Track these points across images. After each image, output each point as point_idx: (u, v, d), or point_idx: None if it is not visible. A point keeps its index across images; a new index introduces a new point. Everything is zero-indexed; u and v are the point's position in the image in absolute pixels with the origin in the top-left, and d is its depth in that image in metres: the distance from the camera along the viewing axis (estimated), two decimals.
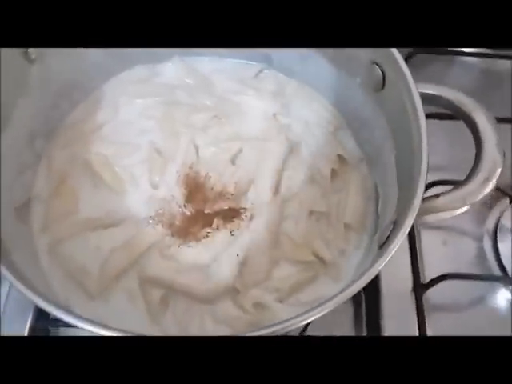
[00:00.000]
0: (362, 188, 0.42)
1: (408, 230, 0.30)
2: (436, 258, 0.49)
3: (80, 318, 0.27)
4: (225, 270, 0.38)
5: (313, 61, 0.43)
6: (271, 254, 0.39)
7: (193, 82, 0.47)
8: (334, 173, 0.42)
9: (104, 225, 0.40)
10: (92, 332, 0.26)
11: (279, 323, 0.27)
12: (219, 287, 0.37)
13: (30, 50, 0.36)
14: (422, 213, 0.31)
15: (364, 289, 0.45)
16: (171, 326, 0.36)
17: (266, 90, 0.46)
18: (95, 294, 0.37)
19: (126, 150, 0.43)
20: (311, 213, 0.41)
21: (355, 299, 0.46)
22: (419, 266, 0.47)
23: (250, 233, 0.39)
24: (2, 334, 0.42)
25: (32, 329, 0.42)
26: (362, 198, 0.41)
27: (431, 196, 0.32)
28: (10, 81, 0.36)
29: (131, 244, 0.39)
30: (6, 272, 0.27)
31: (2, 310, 0.43)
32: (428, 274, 0.48)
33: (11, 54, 0.35)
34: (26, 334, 0.41)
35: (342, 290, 0.29)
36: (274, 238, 0.39)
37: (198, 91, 0.46)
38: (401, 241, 0.29)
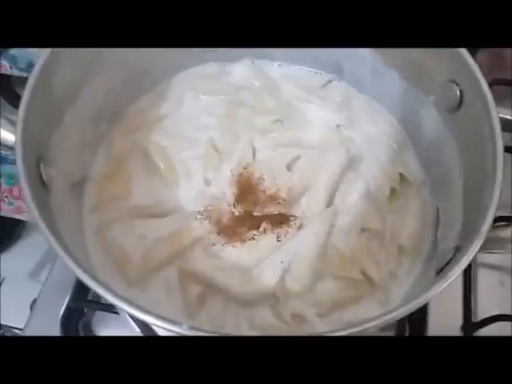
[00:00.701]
0: (422, 211, 0.40)
1: (472, 256, 0.27)
2: (491, 299, 0.46)
3: (121, 297, 0.26)
4: (267, 276, 0.36)
5: (385, 76, 0.42)
6: (316, 266, 0.37)
7: (259, 84, 0.46)
8: (393, 192, 0.40)
9: (152, 214, 0.40)
10: (129, 313, 0.26)
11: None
12: (259, 292, 0.36)
13: None
14: (488, 241, 0.28)
15: (409, 320, 0.43)
16: (206, 323, 0.35)
17: (333, 101, 0.45)
18: (134, 281, 0.37)
19: (184, 144, 0.43)
20: (363, 230, 0.39)
21: (398, 330, 0.44)
22: (472, 304, 0.44)
23: (298, 241, 0.38)
24: (40, 311, 0.43)
25: (68, 309, 0.42)
26: (420, 222, 0.39)
27: (500, 225, 0.30)
28: (85, 58, 0.36)
29: (176, 236, 0.38)
30: (51, 239, 0.27)
31: (41, 289, 0.44)
32: (480, 314, 0.45)
33: None
34: (61, 314, 0.42)
35: (389, 311, 0.27)
36: (322, 250, 0.38)
37: (264, 94, 0.45)
38: (463, 268, 0.27)
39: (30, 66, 0.55)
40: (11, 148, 0.32)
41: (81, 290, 0.43)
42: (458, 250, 0.30)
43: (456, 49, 0.35)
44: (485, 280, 0.47)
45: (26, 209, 0.86)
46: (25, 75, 0.55)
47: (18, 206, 0.76)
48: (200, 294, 0.36)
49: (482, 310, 0.45)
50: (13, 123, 0.32)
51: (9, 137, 0.31)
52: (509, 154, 0.41)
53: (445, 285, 0.26)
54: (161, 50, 0.41)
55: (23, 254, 0.85)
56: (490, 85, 0.45)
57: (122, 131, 0.43)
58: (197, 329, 0.25)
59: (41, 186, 0.30)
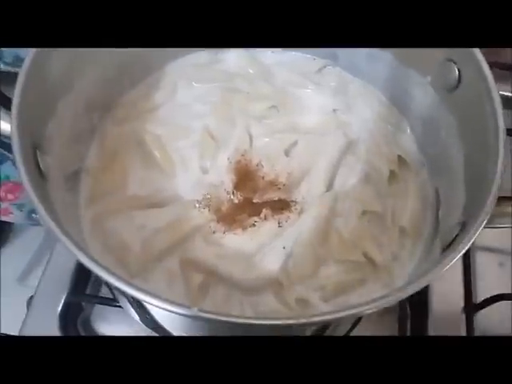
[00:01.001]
0: (422, 193, 0.39)
1: (479, 230, 0.27)
2: (490, 280, 0.47)
3: (126, 281, 0.25)
4: (269, 262, 0.36)
5: (380, 59, 0.42)
6: (319, 251, 0.37)
7: (253, 71, 0.46)
8: (392, 175, 0.40)
9: (150, 204, 0.39)
10: (136, 298, 0.25)
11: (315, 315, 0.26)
12: (262, 278, 0.36)
13: None
14: (493, 216, 0.28)
15: (411, 302, 0.43)
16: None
17: (328, 86, 0.45)
18: (135, 272, 0.36)
19: (179, 132, 0.42)
20: (364, 213, 0.39)
21: (401, 314, 0.44)
22: (472, 285, 0.45)
23: (299, 226, 0.37)
24: (37, 308, 0.42)
25: (66, 304, 0.42)
26: (420, 203, 0.39)
27: (506, 197, 0.30)
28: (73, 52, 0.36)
29: (176, 225, 0.38)
30: (52, 224, 0.26)
31: (37, 286, 0.43)
32: (481, 295, 0.45)
33: None
34: (59, 309, 0.41)
35: (399, 289, 0.27)
36: (323, 234, 0.38)
37: (258, 81, 0.45)
38: (471, 241, 0.27)
39: (16, 60, 0.54)
40: (3, 136, 0.31)
41: (79, 283, 0.42)
42: (464, 226, 0.29)
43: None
44: (484, 262, 0.47)
45: (12, 210, 0.85)
46: (11, 70, 0.54)
47: (4, 207, 0.75)
48: (202, 282, 0.36)
49: (482, 292, 0.45)
50: (7, 113, 0.32)
51: (8, 127, 0.30)
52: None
53: (456, 258, 0.26)
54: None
55: (11, 258, 0.84)
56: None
57: (116, 121, 0.43)
58: (205, 311, 0.25)
59: (38, 176, 0.30)
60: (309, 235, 0.37)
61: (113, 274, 0.26)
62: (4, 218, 0.72)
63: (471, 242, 0.27)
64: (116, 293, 0.39)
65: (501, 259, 0.48)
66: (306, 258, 0.37)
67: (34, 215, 0.82)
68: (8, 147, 0.70)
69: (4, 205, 0.73)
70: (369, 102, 0.44)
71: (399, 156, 0.40)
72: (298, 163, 0.40)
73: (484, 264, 0.47)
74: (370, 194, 0.39)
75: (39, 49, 0.32)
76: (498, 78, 0.33)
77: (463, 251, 0.27)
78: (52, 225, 0.26)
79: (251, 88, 0.44)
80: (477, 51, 0.34)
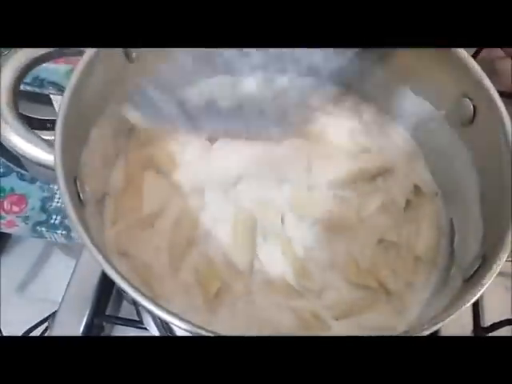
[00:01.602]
0: (436, 222, 0.41)
1: (501, 265, 0.29)
2: (497, 304, 0.48)
3: (168, 312, 0.26)
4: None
5: (396, 90, 0.43)
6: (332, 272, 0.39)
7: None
8: (407, 204, 0.42)
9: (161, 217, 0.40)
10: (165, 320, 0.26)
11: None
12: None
13: (132, 48, 0.37)
14: None
15: None
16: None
17: (342, 114, 0.47)
18: (159, 293, 0.37)
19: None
20: (380, 241, 0.40)
21: None
22: (480, 309, 0.46)
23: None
24: (58, 331, 0.42)
25: (87, 326, 0.42)
26: (435, 232, 0.40)
27: None
28: (108, 76, 0.37)
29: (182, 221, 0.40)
30: (97, 254, 0.27)
31: (58, 308, 0.44)
32: (488, 319, 0.46)
33: (114, 51, 0.36)
34: (81, 329, 0.42)
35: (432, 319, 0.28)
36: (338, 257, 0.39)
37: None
38: (495, 275, 0.28)
39: (35, 80, 0.55)
40: (43, 166, 0.32)
41: (100, 303, 0.43)
42: (484, 259, 0.31)
43: (469, 64, 0.36)
44: (490, 285, 0.49)
45: (18, 223, 0.85)
46: (30, 89, 0.55)
47: (9, 220, 0.75)
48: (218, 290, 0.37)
49: (490, 316, 0.46)
50: (43, 140, 0.33)
51: (41, 155, 0.31)
52: None
53: (481, 290, 0.28)
54: (177, 63, 0.42)
55: (9, 268, 0.84)
56: None
57: (137, 144, 0.44)
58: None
59: (79, 204, 0.31)
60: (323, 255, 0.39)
61: (151, 300, 0.27)
62: (9, 231, 0.72)
63: (494, 277, 0.28)
64: (145, 315, 0.40)
65: (507, 283, 0.49)
66: (319, 278, 0.38)
67: (38, 228, 0.83)
68: (17, 161, 0.71)
69: (9, 217, 0.74)
70: (383, 130, 0.45)
71: (415, 185, 0.42)
72: None
73: (490, 288, 0.49)
74: (387, 224, 0.41)
75: (79, 76, 0.33)
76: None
77: (486, 285, 0.28)
78: (95, 253, 0.28)
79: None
80: (492, 88, 0.36)
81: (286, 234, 0.40)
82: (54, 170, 0.30)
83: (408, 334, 0.28)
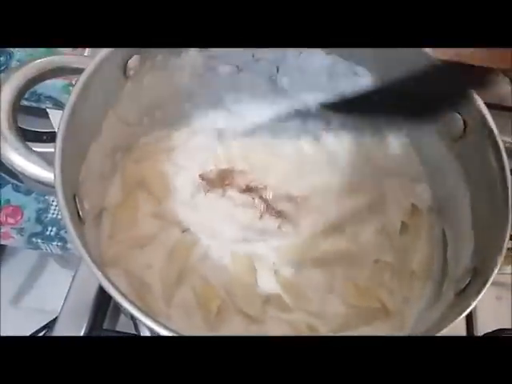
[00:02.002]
0: (430, 235, 0.42)
1: (492, 279, 0.30)
2: (488, 313, 0.49)
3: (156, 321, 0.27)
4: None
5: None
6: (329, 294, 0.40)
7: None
8: (403, 223, 0.42)
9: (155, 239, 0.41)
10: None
11: None
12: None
13: (130, 65, 0.37)
14: (503, 263, 0.31)
15: None
16: None
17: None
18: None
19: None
20: (376, 261, 0.41)
21: None
22: (473, 319, 0.47)
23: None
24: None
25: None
26: (429, 245, 0.41)
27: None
28: (105, 93, 0.37)
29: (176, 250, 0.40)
30: (96, 271, 0.27)
31: (56, 322, 0.44)
32: (479, 329, 0.47)
33: (111, 68, 0.37)
34: None
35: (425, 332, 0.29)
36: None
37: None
38: (485, 289, 0.29)
39: (32, 94, 0.55)
40: (43, 184, 0.32)
41: (97, 318, 0.43)
42: (476, 272, 0.32)
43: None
44: (482, 295, 0.49)
45: (13, 235, 0.85)
46: (26, 104, 0.56)
47: (4, 231, 0.75)
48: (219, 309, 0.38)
49: (482, 326, 0.47)
50: (43, 158, 0.33)
51: (41, 173, 0.32)
52: None
53: (473, 305, 0.29)
54: (177, 83, 0.42)
55: (4, 280, 0.84)
56: None
57: (133, 161, 0.44)
58: None
59: (79, 221, 0.31)
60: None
61: (150, 317, 0.27)
62: (4, 242, 0.72)
63: (485, 291, 0.29)
64: (142, 329, 0.40)
65: (498, 293, 0.50)
66: (315, 296, 0.39)
67: (34, 240, 0.83)
68: (12, 173, 0.71)
69: (4, 229, 0.74)
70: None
71: (412, 204, 0.43)
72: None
73: (482, 297, 0.49)
74: (383, 246, 0.41)
75: (77, 94, 0.34)
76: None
77: (477, 300, 0.29)
78: (95, 269, 0.28)
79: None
80: (481, 104, 0.37)
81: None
82: (53, 187, 0.31)
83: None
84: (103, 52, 0.36)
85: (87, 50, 0.51)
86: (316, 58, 0.42)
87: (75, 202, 0.32)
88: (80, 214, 0.32)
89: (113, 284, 0.28)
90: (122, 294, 0.27)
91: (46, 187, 0.31)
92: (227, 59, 0.43)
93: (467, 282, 0.32)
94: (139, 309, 0.27)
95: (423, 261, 0.40)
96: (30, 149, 0.33)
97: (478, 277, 0.31)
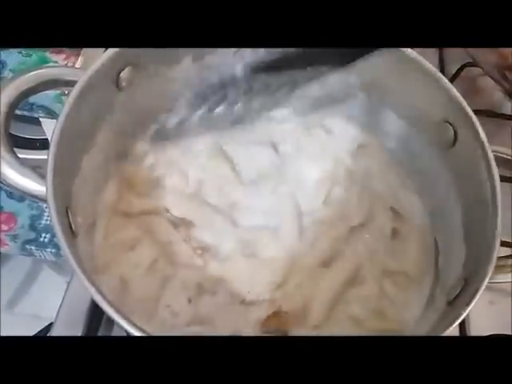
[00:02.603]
0: (422, 242, 0.42)
1: (482, 289, 0.30)
2: (481, 318, 0.49)
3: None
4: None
5: (381, 114, 0.44)
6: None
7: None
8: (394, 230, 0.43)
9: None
10: None
11: None
12: None
13: (122, 77, 0.38)
14: (494, 272, 0.31)
15: None
16: None
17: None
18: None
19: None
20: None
21: None
22: (466, 324, 0.47)
23: None
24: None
25: None
26: (421, 249, 0.41)
27: (502, 257, 0.33)
28: (98, 105, 0.37)
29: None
30: (89, 286, 0.28)
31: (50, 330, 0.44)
32: (473, 333, 0.47)
33: (104, 80, 0.37)
34: None
35: None
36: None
37: None
38: (476, 298, 0.29)
39: (25, 104, 0.56)
40: (36, 198, 0.32)
41: (91, 326, 0.43)
42: (467, 282, 0.32)
43: (449, 90, 0.38)
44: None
45: (7, 242, 0.85)
46: (18, 113, 0.56)
47: None
48: None
49: (474, 330, 0.47)
50: (35, 172, 0.33)
51: (33, 186, 0.32)
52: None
53: (463, 316, 0.29)
54: (169, 91, 0.42)
55: None
56: None
57: (125, 169, 0.44)
58: None
59: (71, 235, 0.31)
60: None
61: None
62: None
63: (475, 300, 0.29)
64: None
65: (491, 297, 0.50)
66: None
67: (28, 246, 0.83)
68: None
69: None
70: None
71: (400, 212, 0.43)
72: None
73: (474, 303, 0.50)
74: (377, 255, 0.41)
75: (70, 107, 0.34)
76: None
77: (468, 309, 0.29)
78: (88, 284, 0.28)
79: None
80: (472, 114, 0.37)
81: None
82: (46, 200, 0.31)
83: None
84: (96, 64, 0.36)
85: (79, 61, 0.51)
86: None
87: (68, 215, 0.32)
88: (72, 227, 0.32)
89: (105, 298, 0.28)
90: (115, 310, 0.27)
91: (39, 200, 0.31)
92: (221, 69, 0.43)
93: (458, 291, 0.32)
94: (130, 323, 0.27)
95: (416, 263, 0.40)
96: (22, 162, 0.33)
97: (469, 286, 0.31)
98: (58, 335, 0.43)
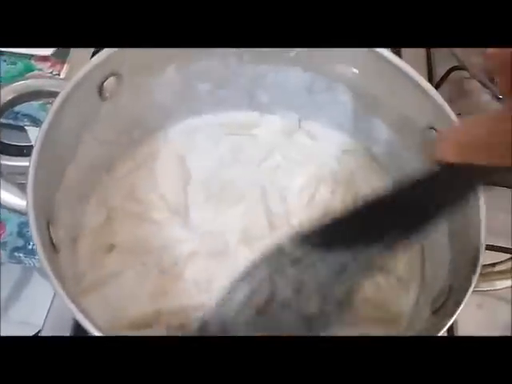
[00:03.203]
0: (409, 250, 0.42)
1: (466, 299, 0.30)
2: (469, 322, 0.49)
3: None
4: None
5: (368, 122, 0.44)
6: None
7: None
8: None
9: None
10: None
11: None
12: None
13: (106, 87, 0.37)
14: (478, 281, 0.31)
15: None
16: None
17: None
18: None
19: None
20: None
21: None
22: (454, 328, 0.47)
23: None
24: None
25: None
26: (408, 256, 0.41)
27: (487, 265, 0.33)
28: (82, 114, 0.37)
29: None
30: (73, 307, 0.27)
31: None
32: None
33: (87, 90, 0.37)
34: None
35: None
36: None
37: None
38: (460, 308, 0.29)
39: (10, 113, 0.55)
40: (17, 211, 0.32)
41: (79, 333, 0.43)
42: (451, 290, 0.32)
43: (433, 96, 0.38)
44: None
45: None
46: (4, 122, 0.55)
47: None
48: None
49: (462, 334, 0.47)
50: (16, 185, 0.33)
51: (14, 200, 0.32)
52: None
53: (447, 326, 0.29)
54: (154, 100, 0.42)
55: None
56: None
57: (113, 180, 0.44)
58: None
59: (52, 249, 0.31)
60: None
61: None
62: None
63: (456, 314, 0.29)
64: None
65: (479, 301, 0.50)
66: None
67: (16, 254, 0.82)
68: None
69: None
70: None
71: None
72: None
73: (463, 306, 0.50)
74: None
75: (52, 117, 0.33)
76: None
77: (453, 318, 0.29)
78: (69, 302, 0.28)
79: None
80: (454, 119, 0.37)
81: None
82: (26, 214, 0.30)
83: None
84: (78, 74, 0.35)
85: (64, 69, 0.50)
86: (293, 75, 0.43)
87: (49, 230, 0.31)
88: (54, 242, 0.32)
89: (87, 317, 0.28)
90: (96, 328, 0.27)
91: (20, 214, 0.31)
92: (206, 76, 0.43)
93: (443, 300, 0.32)
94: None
95: (406, 266, 0.40)
96: (2, 175, 0.33)
97: (453, 295, 0.31)
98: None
